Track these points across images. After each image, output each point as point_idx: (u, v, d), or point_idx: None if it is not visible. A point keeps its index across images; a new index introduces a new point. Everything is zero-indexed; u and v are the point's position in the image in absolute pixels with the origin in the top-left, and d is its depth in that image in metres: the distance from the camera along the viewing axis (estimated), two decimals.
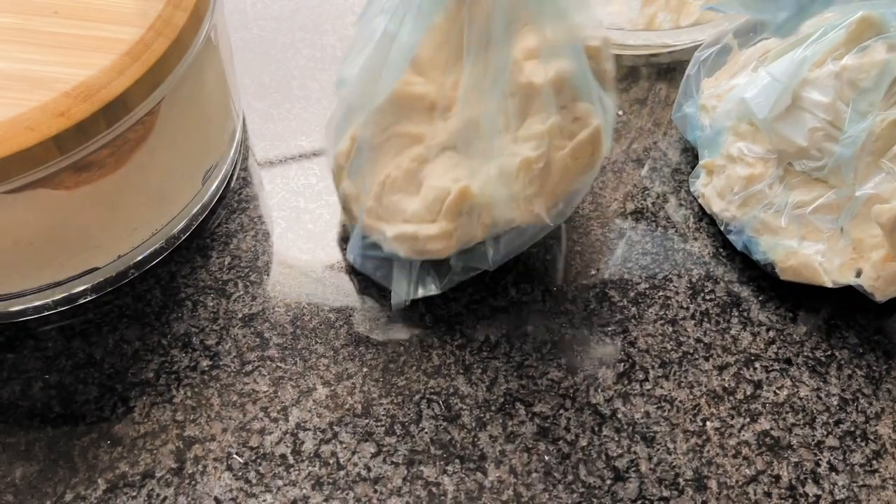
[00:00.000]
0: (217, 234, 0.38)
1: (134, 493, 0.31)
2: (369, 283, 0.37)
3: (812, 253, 0.36)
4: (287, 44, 0.46)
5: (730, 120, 0.39)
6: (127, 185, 0.32)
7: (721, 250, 0.40)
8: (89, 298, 0.36)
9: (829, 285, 0.36)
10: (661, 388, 0.35)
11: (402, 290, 0.35)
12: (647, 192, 0.42)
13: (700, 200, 0.40)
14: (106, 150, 0.30)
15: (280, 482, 0.32)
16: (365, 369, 0.35)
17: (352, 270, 0.38)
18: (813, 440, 0.34)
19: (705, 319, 0.37)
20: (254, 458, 0.32)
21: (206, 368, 0.34)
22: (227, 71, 0.38)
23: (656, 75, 0.47)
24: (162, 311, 0.36)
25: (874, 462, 0.34)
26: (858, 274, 0.36)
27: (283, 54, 0.46)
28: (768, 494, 0.32)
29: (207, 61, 0.33)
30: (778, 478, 0.33)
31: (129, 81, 0.28)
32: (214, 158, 0.37)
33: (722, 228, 0.39)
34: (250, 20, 0.47)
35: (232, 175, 0.40)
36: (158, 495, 0.31)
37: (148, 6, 0.30)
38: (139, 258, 0.36)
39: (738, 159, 0.39)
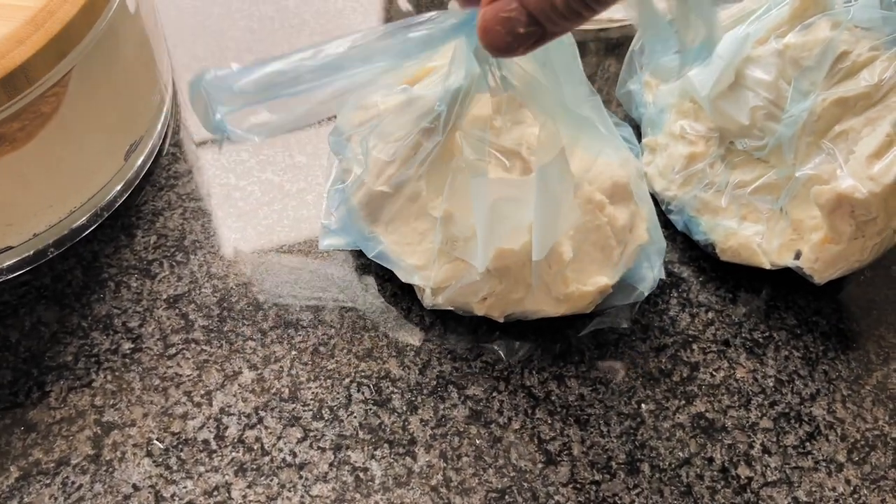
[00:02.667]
0: (143, 212, 0.37)
1: (48, 481, 0.30)
2: (301, 264, 0.36)
3: (751, 234, 0.36)
4: (222, 14, 0.44)
5: (673, 97, 0.38)
6: (38, 160, 0.31)
7: (663, 229, 0.39)
8: (5, 278, 0.34)
9: (768, 267, 0.36)
10: (597, 369, 0.35)
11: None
12: None
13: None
14: (14, 123, 0.29)
15: (202, 468, 0.31)
16: (294, 352, 0.34)
17: (282, 251, 0.37)
18: (747, 422, 0.34)
19: (644, 300, 0.36)
20: (175, 443, 0.31)
21: (128, 352, 0.33)
22: (152, 41, 0.36)
23: (605, 50, 0.46)
24: (83, 291, 0.35)
25: (807, 444, 0.33)
26: (798, 256, 0.35)
27: (217, 25, 0.44)
28: (700, 477, 0.32)
29: (125, 31, 0.32)
30: (711, 460, 0.33)
31: (31, 51, 0.26)
32: (138, 133, 0.36)
33: (663, 208, 0.38)
34: None
35: (160, 151, 0.39)
36: (73, 483, 0.30)
37: None
38: (58, 237, 0.34)
39: (679, 137, 0.38)
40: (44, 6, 0.27)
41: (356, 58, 0.29)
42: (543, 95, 0.31)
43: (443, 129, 0.31)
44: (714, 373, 0.35)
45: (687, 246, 0.38)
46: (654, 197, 0.38)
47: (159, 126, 0.38)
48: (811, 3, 0.35)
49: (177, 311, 0.34)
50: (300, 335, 0.34)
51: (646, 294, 0.35)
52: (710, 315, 0.36)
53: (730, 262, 0.37)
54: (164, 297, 0.35)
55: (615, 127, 0.37)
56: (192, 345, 0.34)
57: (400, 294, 0.36)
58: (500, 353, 0.34)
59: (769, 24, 0.36)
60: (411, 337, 0.35)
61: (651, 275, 0.35)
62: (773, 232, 0.36)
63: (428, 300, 0.34)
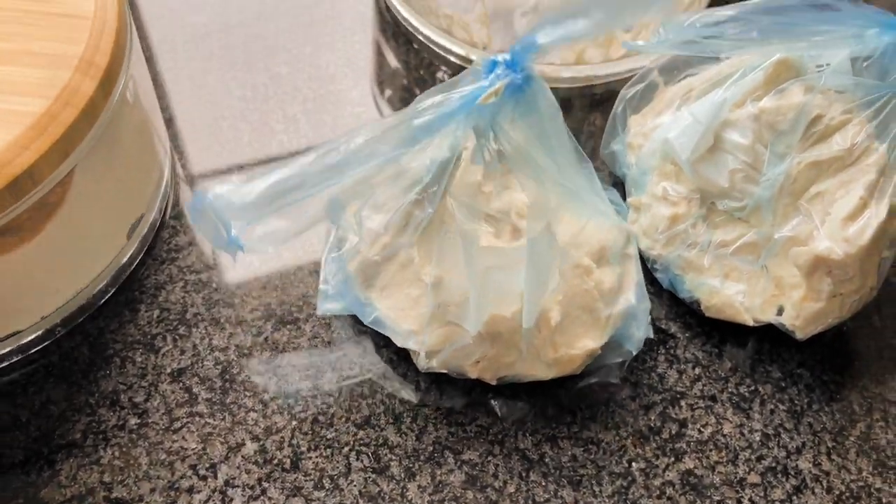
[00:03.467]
0: (146, 287, 0.38)
1: None
2: (300, 332, 0.37)
3: (733, 293, 0.37)
4: (217, 84, 0.46)
5: (654, 159, 0.40)
6: (46, 251, 0.32)
7: (649, 287, 0.40)
8: (15, 360, 0.35)
9: (751, 324, 0.37)
10: (589, 430, 0.36)
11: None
12: None
13: None
14: (22, 216, 0.30)
15: None
16: (294, 422, 0.35)
17: (282, 318, 0.38)
18: (735, 477, 0.35)
19: (633, 358, 0.38)
20: None
21: (135, 427, 0.34)
22: (150, 120, 0.37)
23: (590, 106, 0.48)
24: (89, 368, 0.36)
25: (794, 498, 0.34)
26: (780, 311, 0.36)
27: (212, 95, 0.45)
28: None
29: (123, 121, 0.33)
30: None
31: (35, 156, 0.28)
32: (139, 211, 0.37)
33: (649, 266, 0.40)
34: (181, 60, 0.47)
35: (161, 224, 0.40)
36: None
37: (55, 75, 0.29)
38: (65, 316, 0.35)
39: (662, 199, 0.39)
40: (46, 111, 0.29)
41: (361, 154, 0.30)
42: (536, 166, 0.33)
43: (432, 200, 0.32)
44: (702, 429, 0.36)
45: (673, 303, 0.39)
46: (640, 255, 0.40)
47: (159, 200, 0.39)
48: (784, 69, 0.36)
49: (180, 384, 0.36)
50: (300, 405, 0.35)
51: (634, 353, 0.36)
52: (697, 371, 0.38)
53: (714, 318, 0.38)
54: (168, 370, 0.36)
55: (604, 191, 0.38)
56: (196, 418, 0.35)
57: (396, 359, 0.37)
58: (498, 412, 0.36)
59: (745, 88, 0.37)
60: (408, 402, 0.36)
61: (638, 334, 0.36)
62: (755, 290, 0.37)
63: (422, 364, 0.35)
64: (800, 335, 0.36)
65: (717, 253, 0.37)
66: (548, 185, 0.34)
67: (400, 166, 0.32)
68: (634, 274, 0.37)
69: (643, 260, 0.40)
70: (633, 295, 0.36)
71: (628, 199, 0.41)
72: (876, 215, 0.34)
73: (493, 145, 0.31)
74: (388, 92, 0.47)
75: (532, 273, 0.32)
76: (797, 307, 0.36)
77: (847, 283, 0.34)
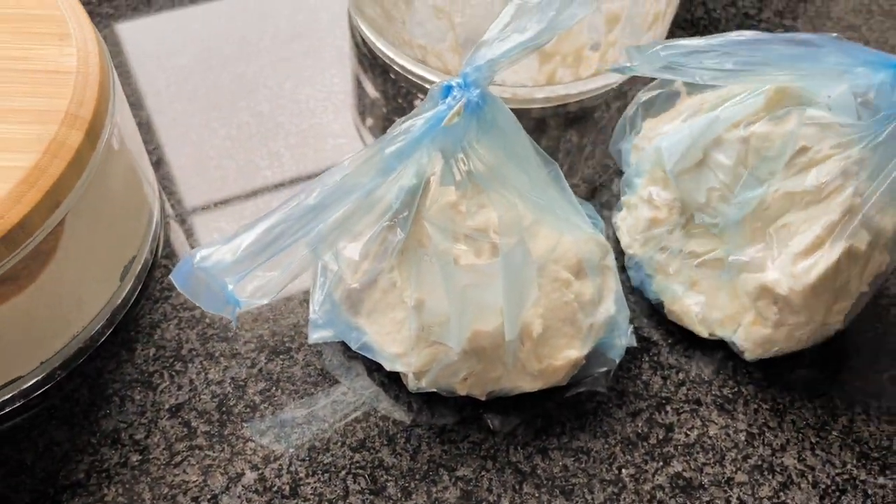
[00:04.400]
0: (141, 326, 0.39)
1: None
2: (293, 360, 0.38)
3: (692, 303, 0.38)
4: (202, 124, 0.47)
5: (648, 164, 0.41)
6: (42, 297, 0.33)
7: (631, 296, 0.41)
8: (17, 405, 0.36)
9: (705, 336, 0.38)
10: (578, 439, 0.37)
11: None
12: None
13: (617, 233, 0.42)
14: (18, 265, 0.31)
15: None
16: (291, 449, 0.36)
17: (274, 349, 0.39)
18: (723, 478, 0.36)
19: (618, 367, 0.39)
20: None
21: (136, 463, 0.35)
22: (137, 164, 0.39)
23: (565, 124, 0.49)
24: (90, 409, 0.37)
25: (781, 493, 0.35)
26: (735, 331, 0.38)
27: (198, 134, 0.47)
28: None
29: (111, 167, 0.34)
30: None
31: (26, 209, 0.29)
32: (131, 253, 0.38)
33: (626, 263, 0.41)
34: (166, 103, 0.48)
35: (153, 263, 0.41)
36: None
37: (43, 130, 0.31)
38: (64, 359, 0.36)
39: (647, 201, 0.40)
40: (35, 164, 0.30)
41: (340, 191, 0.31)
42: (506, 183, 0.34)
43: (403, 225, 0.34)
44: (688, 432, 0.37)
45: (654, 311, 0.41)
46: (619, 251, 0.41)
47: (150, 241, 0.40)
48: (784, 95, 0.36)
49: (179, 419, 0.37)
50: (296, 432, 0.36)
51: (616, 361, 0.37)
52: (681, 376, 0.39)
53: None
54: (167, 406, 0.37)
55: (579, 205, 0.40)
56: (196, 451, 0.36)
57: (388, 381, 0.38)
58: (489, 427, 0.37)
59: (746, 111, 0.37)
60: (401, 423, 0.37)
61: (621, 343, 0.38)
62: (715, 304, 0.38)
63: (412, 384, 0.36)
64: (748, 356, 0.37)
65: (686, 262, 0.38)
66: (520, 201, 0.35)
67: (374, 196, 0.33)
68: (613, 284, 0.38)
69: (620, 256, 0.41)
70: (612, 305, 0.37)
71: (622, 198, 0.42)
72: (828, 256, 0.34)
73: (462, 165, 0.32)
74: (369, 122, 0.49)
75: (509, 287, 0.33)
76: (748, 329, 0.37)
77: (792, 315, 0.35)
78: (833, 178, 0.34)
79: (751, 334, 0.36)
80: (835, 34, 0.35)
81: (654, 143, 0.40)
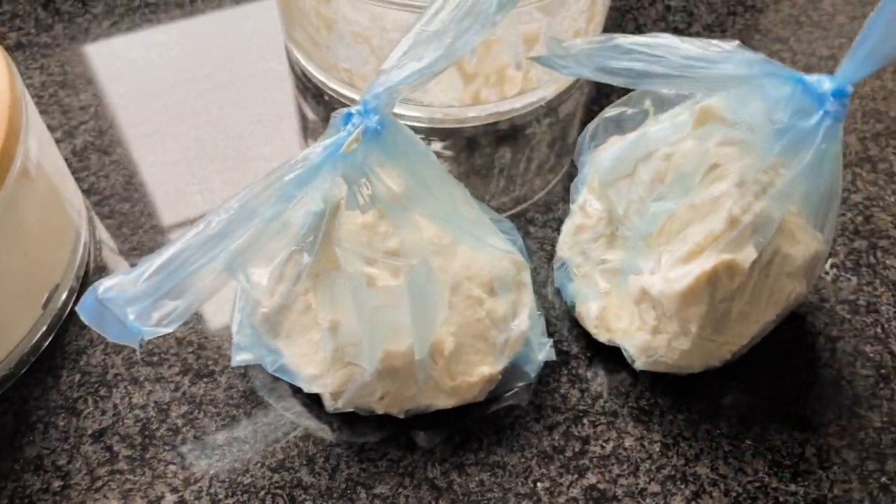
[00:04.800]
0: (67, 352, 0.40)
1: None
2: (216, 383, 0.39)
3: (595, 307, 0.39)
4: (136, 150, 0.48)
5: (590, 174, 0.41)
6: None
7: (553, 311, 0.42)
8: None
9: (602, 340, 0.39)
10: (495, 454, 0.37)
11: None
12: None
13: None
14: None
15: None
16: (211, 471, 0.36)
17: (198, 372, 0.39)
18: (637, 488, 0.36)
19: (538, 381, 0.39)
20: None
21: (58, 489, 0.36)
22: (59, 192, 0.39)
23: (496, 142, 0.50)
24: (14, 435, 0.37)
25: (693, 503, 0.36)
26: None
27: (130, 159, 0.47)
28: None
29: (25, 195, 0.35)
30: None
31: None
32: (54, 281, 0.39)
33: (553, 264, 0.42)
34: (99, 130, 0.49)
35: (80, 290, 0.42)
36: None
37: None
38: None
39: (582, 209, 0.41)
40: None
41: (243, 217, 0.32)
42: (412, 206, 0.35)
43: (309, 249, 0.34)
44: (604, 444, 0.38)
45: (574, 324, 0.41)
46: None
47: (76, 268, 0.41)
48: (707, 116, 0.37)
49: (102, 444, 0.37)
50: (217, 454, 0.37)
51: (532, 376, 0.38)
52: (599, 388, 0.39)
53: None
54: (90, 432, 0.37)
55: (495, 223, 0.40)
56: (117, 475, 0.36)
57: (310, 402, 0.39)
58: (408, 445, 0.37)
59: (678, 130, 0.37)
60: (321, 442, 0.37)
61: (538, 358, 0.38)
62: (616, 314, 0.39)
63: (329, 405, 0.37)
64: (638, 365, 0.38)
65: (598, 269, 0.39)
66: (431, 223, 0.36)
67: (283, 220, 0.34)
68: (528, 301, 0.38)
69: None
70: (526, 320, 0.38)
71: (571, 205, 0.43)
72: (702, 265, 0.34)
73: (365, 190, 0.33)
74: (301, 144, 0.50)
75: (415, 307, 0.34)
76: (632, 335, 0.38)
77: (667, 322, 0.36)
78: (728, 190, 0.35)
79: (635, 340, 0.37)
80: (737, 42, 0.35)
81: (605, 154, 0.41)
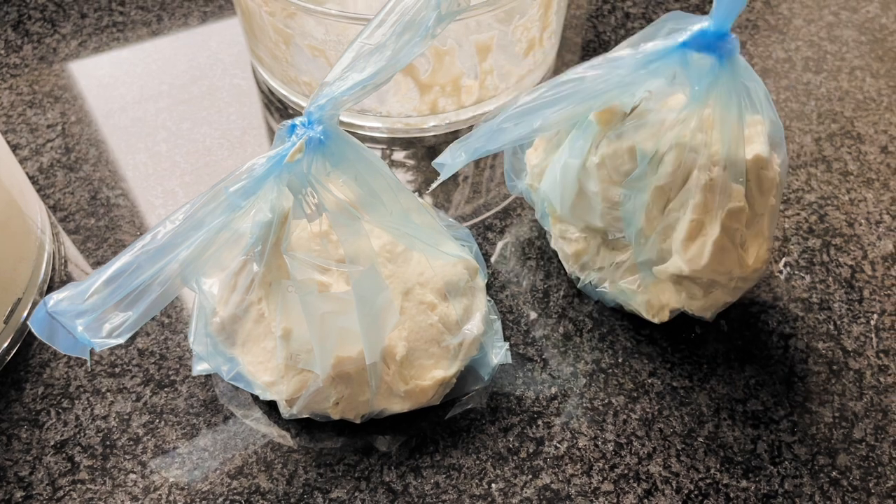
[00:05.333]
0: (31, 365, 0.41)
1: None
2: (177, 392, 0.40)
3: (640, 300, 0.40)
4: (95, 163, 0.49)
5: (546, 206, 0.43)
6: None
7: (508, 314, 0.43)
8: None
9: (657, 321, 0.40)
10: (451, 457, 0.38)
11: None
12: None
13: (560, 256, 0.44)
14: None
15: None
16: (171, 479, 0.37)
17: (160, 381, 0.40)
18: (590, 488, 0.37)
19: (494, 384, 0.40)
20: None
21: (20, 500, 0.36)
22: (20, 211, 0.40)
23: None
24: None
25: (645, 501, 0.36)
26: (683, 306, 0.40)
27: (93, 173, 0.48)
28: None
29: None
30: None
31: None
32: (14, 297, 0.39)
33: (579, 287, 0.43)
34: (65, 148, 0.50)
35: None
36: None
37: None
38: None
39: (564, 238, 0.43)
40: None
41: (190, 227, 0.32)
42: (362, 214, 0.35)
43: (257, 258, 0.35)
44: (558, 444, 0.38)
45: (530, 327, 0.42)
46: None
47: (39, 283, 0.41)
48: (611, 115, 0.38)
49: (63, 454, 0.38)
50: (176, 462, 0.37)
51: (486, 379, 0.38)
52: (554, 390, 0.40)
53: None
54: (52, 443, 0.38)
55: (451, 230, 0.41)
56: (79, 485, 0.37)
57: (269, 409, 0.39)
58: (364, 449, 0.38)
59: (589, 140, 0.39)
60: (279, 448, 0.38)
61: (493, 361, 0.39)
62: (655, 294, 0.40)
63: (285, 412, 0.37)
64: (707, 318, 0.40)
65: (621, 269, 0.41)
66: (382, 230, 0.37)
67: (234, 230, 0.35)
68: (481, 305, 0.39)
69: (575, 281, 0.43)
70: (480, 324, 0.38)
71: (546, 227, 0.44)
72: (711, 233, 0.37)
73: (311, 199, 0.34)
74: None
75: (363, 313, 0.34)
76: (688, 305, 0.39)
77: (713, 284, 0.38)
78: (683, 163, 0.36)
79: (693, 307, 0.39)
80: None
81: (540, 186, 0.42)
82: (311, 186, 0.34)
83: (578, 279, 0.43)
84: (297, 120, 0.33)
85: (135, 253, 0.32)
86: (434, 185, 0.40)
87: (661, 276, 0.39)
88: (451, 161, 0.37)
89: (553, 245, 0.44)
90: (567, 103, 0.36)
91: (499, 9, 0.43)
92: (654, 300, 0.40)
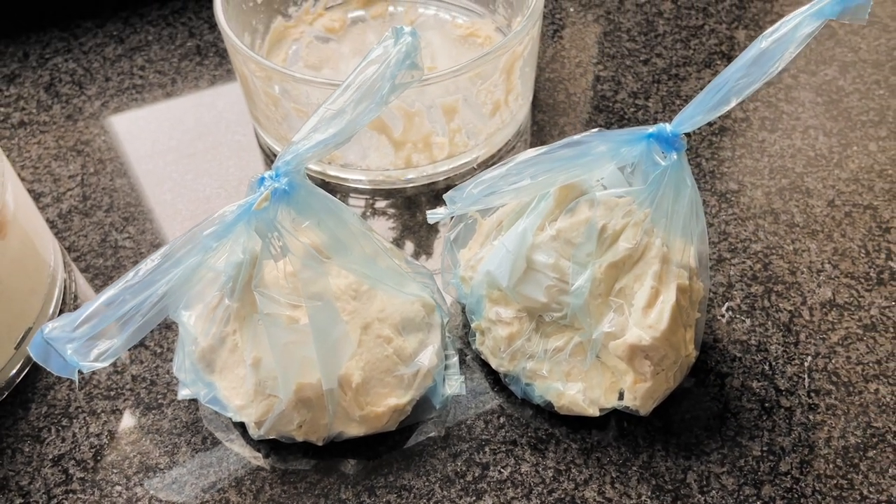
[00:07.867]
0: (37, 388, 0.46)
1: None
2: (163, 414, 0.44)
3: (575, 392, 0.42)
4: (106, 209, 0.54)
5: (483, 289, 0.44)
6: None
7: (464, 354, 0.46)
8: None
9: (597, 414, 0.41)
10: (403, 479, 0.41)
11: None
12: None
13: (483, 358, 0.45)
14: None
15: None
16: (151, 491, 0.41)
17: (148, 404, 0.45)
18: None
19: (448, 412, 0.44)
20: None
21: None
22: (36, 245, 0.45)
23: (436, 201, 0.55)
24: None
25: None
26: (621, 396, 0.41)
27: (102, 217, 0.54)
28: None
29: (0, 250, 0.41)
30: None
31: None
32: (27, 324, 0.45)
33: (503, 381, 0.44)
34: (82, 195, 0.56)
35: None
36: None
37: None
38: None
39: (497, 322, 0.44)
40: None
41: (168, 266, 0.37)
42: (322, 258, 0.40)
43: (229, 294, 0.40)
44: (502, 469, 0.42)
45: (484, 363, 0.46)
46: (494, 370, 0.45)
47: (50, 314, 0.47)
48: (569, 191, 0.42)
49: (59, 467, 0.42)
50: (158, 476, 0.42)
51: (437, 408, 0.42)
52: (502, 419, 0.43)
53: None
54: (50, 457, 0.43)
55: (416, 272, 0.45)
56: (70, 495, 0.41)
57: (243, 432, 0.43)
58: (325, 469, 0.42)
59: (543, 214, 0.42)
60: (250, 466, 0.42)
61: (447, 392, 0.43)
62: (594, 384, 0.42)
63: (253, 433, 0.41)
64: (643, 412, 0.41)
65: (555, 359, 0.42)
66: (347, 272, 0.41)
67: (212, 268, 0.40)
68: (435, 340, 0.43)
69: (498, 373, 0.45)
70: (433, 357, 0.42)
71: (472, 325, 0.46)
72: (668, 299, 0.40)
73: (276, 242, 0.39)
74: None
75: (320, 343, 0.39)
76: (632, 390, 0.41)
77: (664, 359, 0.40)
78: (640, 240, 0.40)
79: (637, 392, 0.40)
80: (597, 129, 0.40)
81: (480, 268, 0.44)
82: (278, 231, 0.39)
83: (506, 374, 0.44)
84: (267, 173, 0.38)
85: (119, 287, 0.37)
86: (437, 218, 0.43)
87: (617, 351, 0.40)
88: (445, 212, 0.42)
89: (476, 346, 0.45)
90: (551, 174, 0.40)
91: (452, 78, 0.48)
92: (590, 391, 0.42)
